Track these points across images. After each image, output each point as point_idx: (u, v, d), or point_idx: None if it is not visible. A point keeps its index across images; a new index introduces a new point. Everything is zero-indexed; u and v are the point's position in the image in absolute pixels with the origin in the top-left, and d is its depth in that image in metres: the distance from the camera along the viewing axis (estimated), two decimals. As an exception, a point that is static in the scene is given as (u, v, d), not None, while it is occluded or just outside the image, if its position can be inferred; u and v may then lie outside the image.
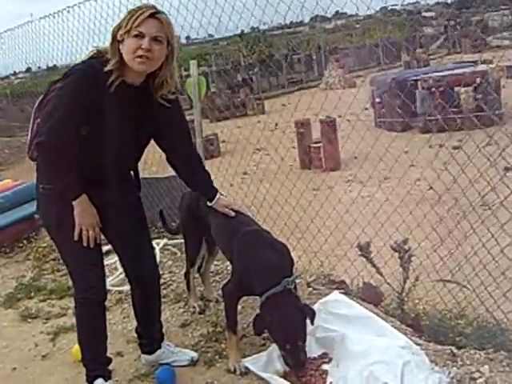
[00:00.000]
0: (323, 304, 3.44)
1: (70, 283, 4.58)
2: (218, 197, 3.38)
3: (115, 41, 2.79)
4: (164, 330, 3.51)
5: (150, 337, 3.44)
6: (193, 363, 3.43)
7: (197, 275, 4.17)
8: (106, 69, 2.78)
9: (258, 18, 4.63)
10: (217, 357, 3.44)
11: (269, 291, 3.08)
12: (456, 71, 13.16)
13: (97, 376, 3.11)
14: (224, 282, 3.72)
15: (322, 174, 10.10)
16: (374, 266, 3.71)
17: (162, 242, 5.23)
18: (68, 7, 7.24)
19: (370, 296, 3.68)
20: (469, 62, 14.83)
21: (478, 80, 12.16)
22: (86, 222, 2.97)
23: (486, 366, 2.84)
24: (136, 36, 2.73)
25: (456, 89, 12.10)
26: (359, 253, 3.75)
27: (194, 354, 3.47)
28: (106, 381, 3.12)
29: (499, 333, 3.15)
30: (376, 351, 3.02)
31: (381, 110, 13.67)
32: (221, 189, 3.59)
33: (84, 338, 3.13)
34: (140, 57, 2.74)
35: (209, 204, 3.39)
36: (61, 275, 5.21)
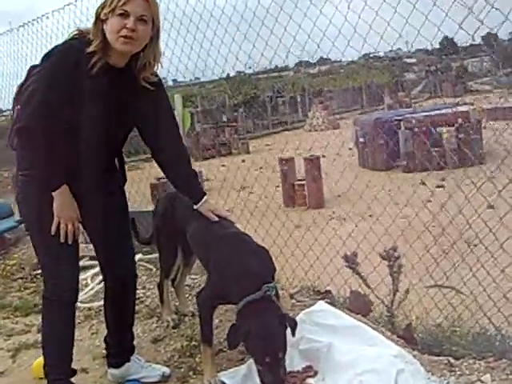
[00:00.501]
0: (307, 314, 3.22)
1: (37, 301, 4.56)
2: (204, 199, 3.20)
3: (98, 20, 2.69)
4: (135, 345, 3.32)
5: (119, 345, 3.23)
6: (164, 379, 3.23)
7: (171, 289, 3.96)
8: (89, 50, 2.67)
9: (243, 62, 4.70)
10: (191, 372, 3.25)
11: (246, 298, 2.85)
12: (438, 112, 13.35)
13: None
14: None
15: (305, 212, 10.11)
16: (361, 277, 3.61)
17: (137, 256, 5.03)
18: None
19: (358, 306, 3.53)
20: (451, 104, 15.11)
21: (460, 120, 12.34)
22: (65, 215, 2.82)
23: (488, 375, 2.69)
24: (121, 15, 2.63)
25: (438, 129, 12.27)
26: (346, 264, 3.64)
27: (166, 370, 3.28)
28: None
29: (500, 340, 3.01)
30: (366, 360, 2.79)
31: (364, 149, 13.78)
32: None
33: (49, 340, 2.94)
34: (124, 37, 2.64)
35: (195, 207, 3.21)
36: (28, 293, 5.06)
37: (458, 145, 12.10)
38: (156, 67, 2.88)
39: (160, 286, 3.89)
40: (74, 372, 3.05)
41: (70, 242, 2.85)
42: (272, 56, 4.34)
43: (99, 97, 2.75)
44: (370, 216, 6.72)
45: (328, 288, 3.93)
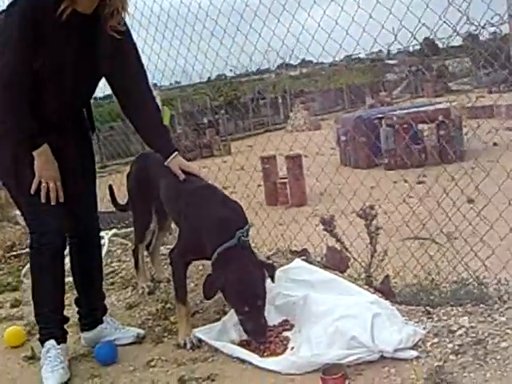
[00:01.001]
0: (284, 271, 3.23)
1: (11, 280, 4.71)
2: (174, 155, 3.14)
3: None
4: (108, 314, 3.33)
5: (89, 303, 3.20)
6: (138, 340, 3.23)
7: (147, 258, 3.92)
8: None
9: (223, 66, 4.82)
10: (165, 333, 3.26)
11: (221, 247, 2.81)
12: (419, 109, 13.34)
13: (50, 337, 2.90)
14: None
15: (287, 210, 10.05)
16: (338, 240, 3.57)
17: (112, 231, 5.11)
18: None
19: (334, 262, 3.51)
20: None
21: (441, 117, 12.32)
22: (46, 175, 2.80)
23: (466, 317, 2.71)
24: None
25: (419, 126, 12.25)
26: (322, 227, 3.60)
27: (140, 331, 3.28)
28: (59, 343, 2.90)
29: (477, 287, 3.01)
30: (342, 307, 2.80)
31: (346, 147, 13.73)
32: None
33: (38, 290, 2.92)
34: None
35: (165, 163, 3.14)
36: (1, 274, 5.08)
37: (439, 142, 12.09)
38: (124, 15, 2.86)
39: (135, 252, 3.82)
40: (67, 319, 3.05)
41: (53, 202, 2.82)
42: (251, 59, 4.46)
43: (67, 44, 2.73)
44: (352, 213, 6.70)
45: (304, 247, 3.90)
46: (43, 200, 2.82)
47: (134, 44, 3.07)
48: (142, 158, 3.67)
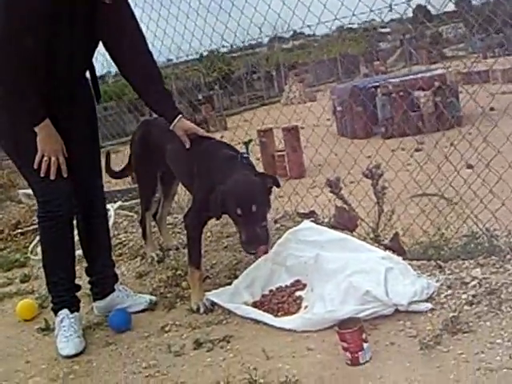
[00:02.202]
0: (292, 233, 3.22)
1: (19, 257, 4.75)
2: (179, 118, 3.11)
3: None
4: (119, 283, 3.35)
5: (100, 272, 3.21)
6: (151, 306, 3.24)
7: (154, 228, 3.91)
8: None
9: (216, 42, 4.83)
10: (178, 300, 3.27)
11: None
12: (415, 76, 13.27)
13: (63, 306, 2.90)
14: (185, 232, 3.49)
15: (286, 182, 10.05)
16: (345, 202, 3.57)
17: (117, 204, 5.12)
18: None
19: (343, 222, 3.51)
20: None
21: (437, 84, 12.26)
22: (49, 149, 2.78)
23: (478, 269, 2.71)
24: None
25: (416, 93, 12.19)
26: (329, 189, 3.62)
27: (153, 297, 3.29)
28: (72, 312, 2.90)
29: (488, 240, 3.02)
30: (354, 263, 2.80)
31: (343, 118, 13.67)
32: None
33: (49, 258, 2.92)
34: None
35: (170, 128, 3.13)
36: (8, 252, 5.10)
37: (436, 108, 12.04)
38: None
39: (142, 221, 3.81)
40: (79, 287, 3.05)
41: (52, 177, 2.79)
42: (247, 32, 4.48)
43: (62, 13, 2.70)
44: (351, 182, 6.71)
45: (312, 209, 3.90)
46: (42, 174, 2.80)
47: (129, 7, 3.01)
48: (145, 124, 3.66)
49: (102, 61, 4.79)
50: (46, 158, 2.78)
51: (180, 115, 3.13)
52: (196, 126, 3.27)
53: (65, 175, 2.87)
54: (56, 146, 2.81)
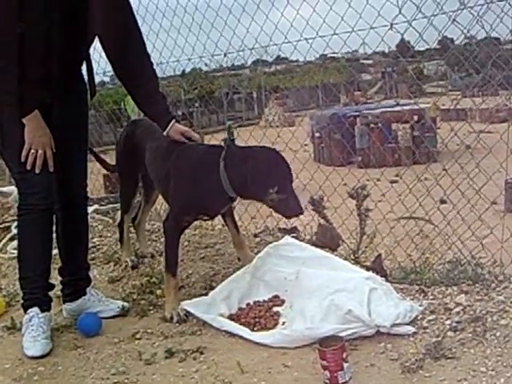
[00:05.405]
0: (273, 248, 3.16)
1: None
2: (173, 123, 3.02)
3: None
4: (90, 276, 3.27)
5: (73, 273, 3.12)
6: (123, 313, 3.15)
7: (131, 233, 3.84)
8: None
9: (199, 61, 4.88)
10: (151, 307, 3.19)
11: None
12: (394, 108, 13.38)
13: (34, 303, 2.80)
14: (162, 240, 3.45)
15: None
16: (326, 220, 3.53)
17: (93, 207, 5.03)
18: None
19: (325, 241, 3.47)
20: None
21: (416, 118, 12.37)
22: (36, 142, 2.71)
23: (462, 296, 2.67)
24: None
25: (394, 125, 12.29)
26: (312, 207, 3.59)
27: (125, 304, 3.20)
28: (43, 311, 2.81)
29: (473, 268, 2.99)
30: (337, 282, 2.74)
31: (320, 144, 13.73)
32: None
33: (25, 252, 2.83)
34: None
35: (164, 133, 3.04)
36: None
37: (413, 142, 12.14)
38: None
39: (120, 224, 3.72)
40: (52, 286, 2.95)
41: (37, 171, 2.73)
42: (225, 55, 4.49)
43: (54, 8, 2.66)
44: (325, 209, 6.69)
45: (294, 225, 3.84)
46: (29, 167, 2.73)
47: (129, 3, 2.92)
48: (131, 125, 3.60)
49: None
50: (33, 151, 2.72)
51: (174, 120, 3.05)
52: (189, 129, 3.17)
53: (51, 170, 2.80)
54: (44, 139, 2.75)
